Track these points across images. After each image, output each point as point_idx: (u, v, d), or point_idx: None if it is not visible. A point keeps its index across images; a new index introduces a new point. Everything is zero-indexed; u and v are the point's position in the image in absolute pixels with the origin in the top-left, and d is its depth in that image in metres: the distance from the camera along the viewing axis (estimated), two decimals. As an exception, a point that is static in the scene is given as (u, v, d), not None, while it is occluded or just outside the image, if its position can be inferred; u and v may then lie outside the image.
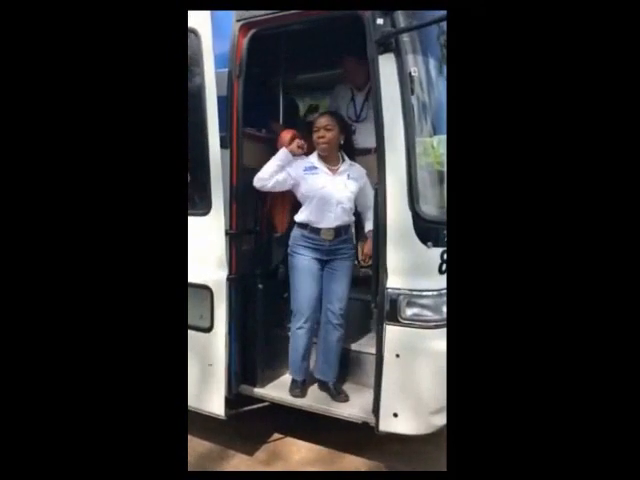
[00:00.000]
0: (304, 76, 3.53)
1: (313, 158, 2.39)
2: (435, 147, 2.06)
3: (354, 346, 2.50)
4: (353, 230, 2.54)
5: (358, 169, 2.43)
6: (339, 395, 2.36)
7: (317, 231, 2.33)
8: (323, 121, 2.34)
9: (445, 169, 1.93)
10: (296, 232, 2.39)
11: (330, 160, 2.38)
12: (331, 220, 2.32)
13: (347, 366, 2.50)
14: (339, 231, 2.36)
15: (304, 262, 2.34)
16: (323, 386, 2.44)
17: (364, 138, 2.74)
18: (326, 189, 2.30)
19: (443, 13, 1.48)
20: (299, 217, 2.37)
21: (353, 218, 2.44)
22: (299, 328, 2.37)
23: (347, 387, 2.44)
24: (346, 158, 2.42)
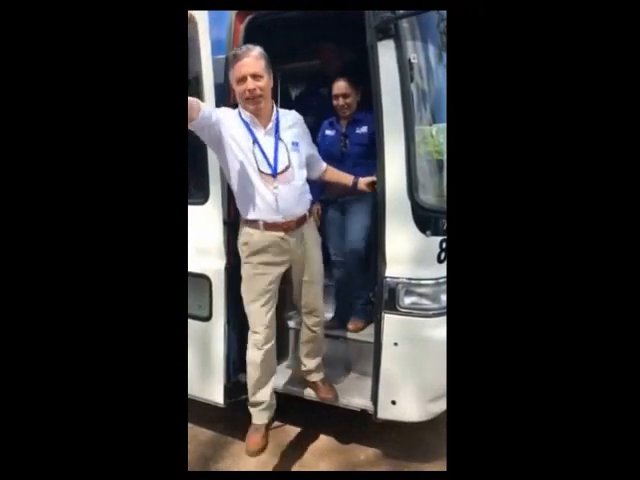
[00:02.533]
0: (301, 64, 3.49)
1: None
2: (434, 136, 2.05)
3: (353, 335, 2.51)
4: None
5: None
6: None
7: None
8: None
9: (444, 158, 1.93)
10: None
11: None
12: None
13: (346, 355, 2.51)
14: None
15: None
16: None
17: None
18: None
19: None
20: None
21: None
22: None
23: (346, 376, 2.46)
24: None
